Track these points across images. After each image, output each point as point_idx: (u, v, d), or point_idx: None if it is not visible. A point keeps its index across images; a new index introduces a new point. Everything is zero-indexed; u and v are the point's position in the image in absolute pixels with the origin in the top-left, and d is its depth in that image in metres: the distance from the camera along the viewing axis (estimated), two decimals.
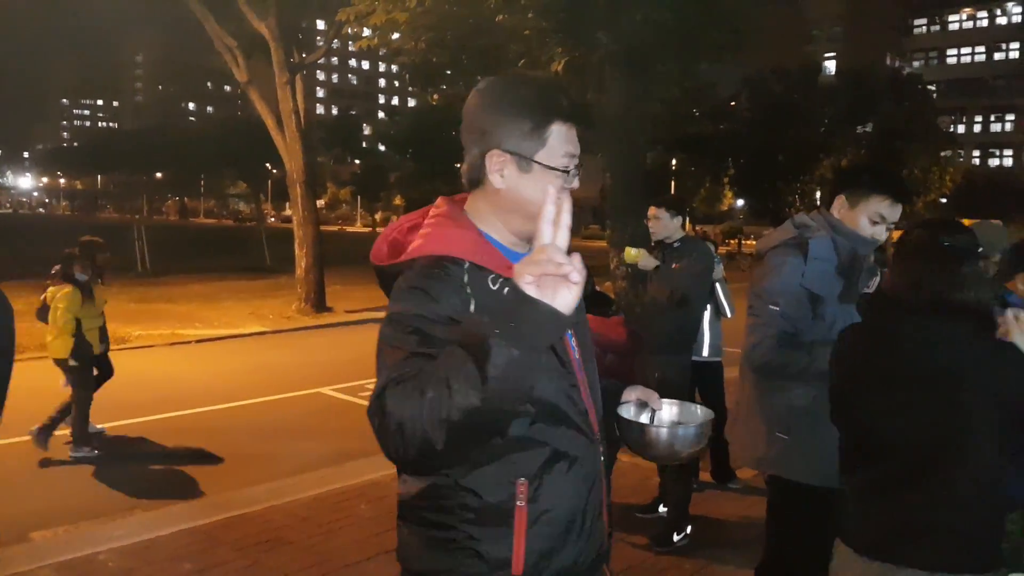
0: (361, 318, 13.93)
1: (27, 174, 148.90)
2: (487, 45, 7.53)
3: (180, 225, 62.89)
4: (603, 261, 7.88)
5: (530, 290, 1.17)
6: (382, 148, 63.14)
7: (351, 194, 71.93)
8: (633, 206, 5.19)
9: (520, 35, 7.19)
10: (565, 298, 1.18)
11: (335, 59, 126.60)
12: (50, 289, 6.38)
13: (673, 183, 39.48)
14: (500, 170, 1.52)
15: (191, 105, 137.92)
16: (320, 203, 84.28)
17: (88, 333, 6.28)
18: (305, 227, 14.62)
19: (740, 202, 53.60)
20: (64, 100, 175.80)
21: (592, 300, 3.59)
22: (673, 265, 4.69)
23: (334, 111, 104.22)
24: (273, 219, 64.84)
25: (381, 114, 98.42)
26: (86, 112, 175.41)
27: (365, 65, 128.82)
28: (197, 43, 15.94)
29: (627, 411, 1.77)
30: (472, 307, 1.44)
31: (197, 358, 10.77)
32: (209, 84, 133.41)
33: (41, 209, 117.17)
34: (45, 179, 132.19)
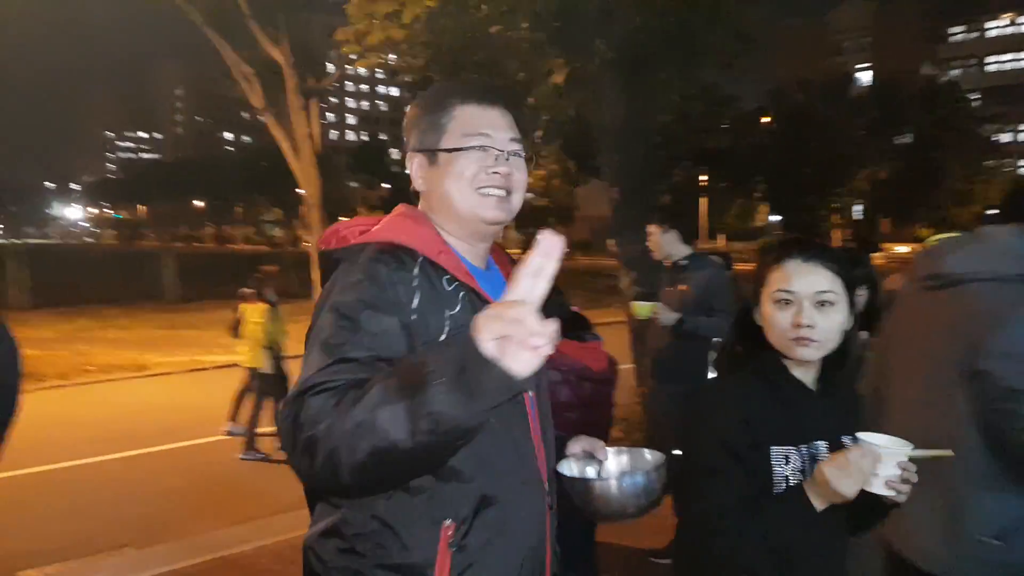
0: None
1: (74, 205, 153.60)
2: (484, 59, 7.41)
3: (217, 251, 63.91)
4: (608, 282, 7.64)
5: (488, 349, 1.02)
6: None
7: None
8: (639, 222, 4.97)
9: (516, 47, 7.05)
10: (526, 365, 1.02)
11: (364, 86, 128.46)
12: (242, 306, 7.25)
13: (707, 200, 39.07)
14: (417, 171, 1.48)
15: (227, 135, 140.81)
16: None
17: (274, 346, 7.05)
18: None
19: (776, 217, 52.93)
20: (108, 133, 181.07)
21: (569, 322, 3.24)
22: (679, 287, 4.43)
23: (363, 137, 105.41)
24: (307, 243, 65.68)
25: None
26: (130, 144, 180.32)
27: (394, 91, 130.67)
28: (211, 72, 16.18)
29: (568, 467, 1.59)
30: (416, 302, 1.31)
31: (215, 384, 10.71)
32: (244, 114, 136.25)
33: (88, 238, 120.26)
34: (92, 209, 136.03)
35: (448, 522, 1.30)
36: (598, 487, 1.52)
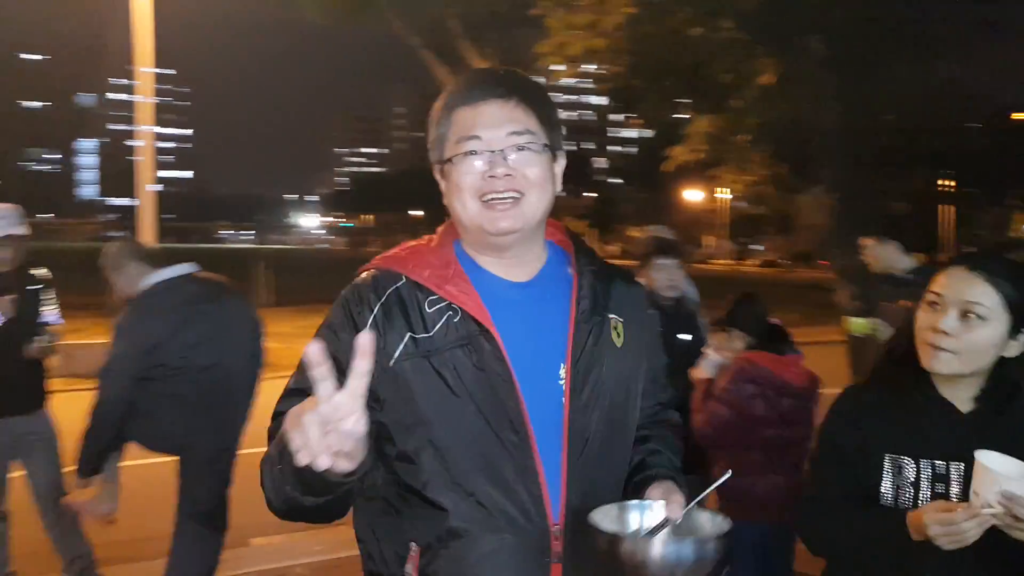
0: None
1: (310, 214, 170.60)
2: (689, 63, 7.20)
3: None
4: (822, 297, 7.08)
5: (300, 459, 1.03)
6: (618, 181, 63.69)
7: (586, 227, 73.25)
8: (857, 232, 4.60)
9: (723, 49, 6.78)
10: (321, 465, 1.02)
11: (572, 96, 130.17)
12: None
13: (953, 208, 35.38)
14: (441, 186, 1.39)
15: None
16: None
17: None
18: None
19: None
20: (340, 150, 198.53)
21: (766, 335, 3.15)
22: (900, 302, 4.06)
23: (569, 147, 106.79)
24: None
25: (617, 147, 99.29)
26: (358, 159, 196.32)
27: (603, 100, 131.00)
28: (431, 91, 17.08)
29: (605, 515, 1.23)
30: (368, 323, 1.29)
31: None
32: None
33: (322, 244, 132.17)
34: (325, 218, 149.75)
35: (414, 546, 1.28)
36: (626, 546, 1.16)
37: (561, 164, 1.40)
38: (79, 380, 9.37)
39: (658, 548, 1.14)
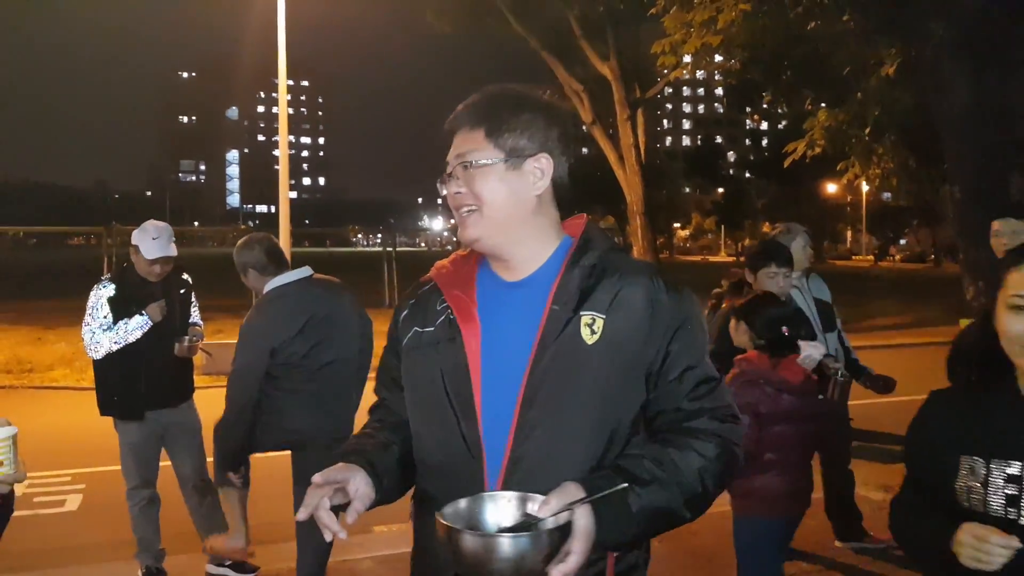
0: None
1: (439, 217, 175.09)
2: (807, 55, 6.97)
3: None
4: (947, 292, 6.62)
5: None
6: (748, 175, 61.59)
7: (715, 223, 71.22)
8: (986, 223, 4.33)
9: (843, 39, 6.51)
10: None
11: (700, 90, 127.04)
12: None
13: None
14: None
15: None
16: (684, 233, 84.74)
17: None
18: (644, 256, 14.84)
19: None
20: None
21: (777, 343, 3.12)
22: None
23: (698, 140, 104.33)
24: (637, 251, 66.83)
25: (747, 140, 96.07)
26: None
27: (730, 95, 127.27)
28: (560, 92, 17.13)
29: (453, 508, 1.28)
30: (400, 317, 1.60)
31: None
32: (584, 127, 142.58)
33: (449, 247, 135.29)
34: (452, 220, 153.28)
35: (412, 501, 1.57)
36: (454, 535, 1.20)
37: (533, 164, 1.47)
38: (220, 377, 10.18)
39: (477, 541, 1.19)
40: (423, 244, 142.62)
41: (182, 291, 4.49)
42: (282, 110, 12.50)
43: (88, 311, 4.21)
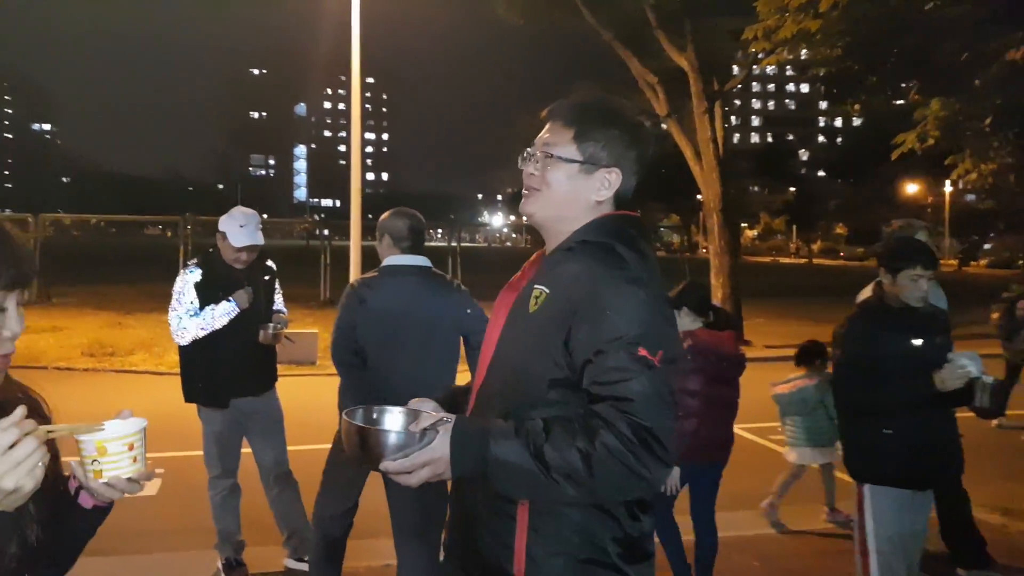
0: (780, 355, 13.03)
1: (499, 213, 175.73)
2: (915, 44, 6.51)
3: None
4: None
5: None
6: (821, 174, 59.88)
7: (785, 224, 69.47)
8: None
9: (957, 28, 6.04)
10: None
11: (771, 85, 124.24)
12: None
13: None
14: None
15: None
16: (752, 233, 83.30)
17: None
18: (722, 256, 14.38)
19: None
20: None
21: (711, 315, 4.10)
22: None
23: (768, 138, 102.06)
24: (705, 250, 65.78)
25: (821, 138, 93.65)
26: None
27: (804, 88, 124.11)
28: (618, 86, 16.92)
29: (356, 414, 1.56)
30: None
31: None
32: (647, 123, 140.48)
33: (508, 243, 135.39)
34: (512, 217, 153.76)
35: None
36: (346, 426, 1.51)
37: (604, 174, 1.66)
38: (295, 366, 10.25)
39: (346, 426, 1.49)
40: (482, 240, 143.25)
41: (266, 278, 4.40)
42: (355, 107, 12.51)
43: (174, 296, 4.15)
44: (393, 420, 1.58)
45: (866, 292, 4.78)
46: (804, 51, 7.75)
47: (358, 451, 1.48)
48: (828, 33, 6.86)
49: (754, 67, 13.16)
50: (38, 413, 1.36)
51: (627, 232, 1.63)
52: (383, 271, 3.54)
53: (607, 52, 15.12)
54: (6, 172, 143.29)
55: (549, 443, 1.42)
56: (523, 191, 1.70)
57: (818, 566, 4.48)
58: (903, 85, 7.46)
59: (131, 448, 1.32)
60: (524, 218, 1.69)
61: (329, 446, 3.68)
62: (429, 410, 1.57)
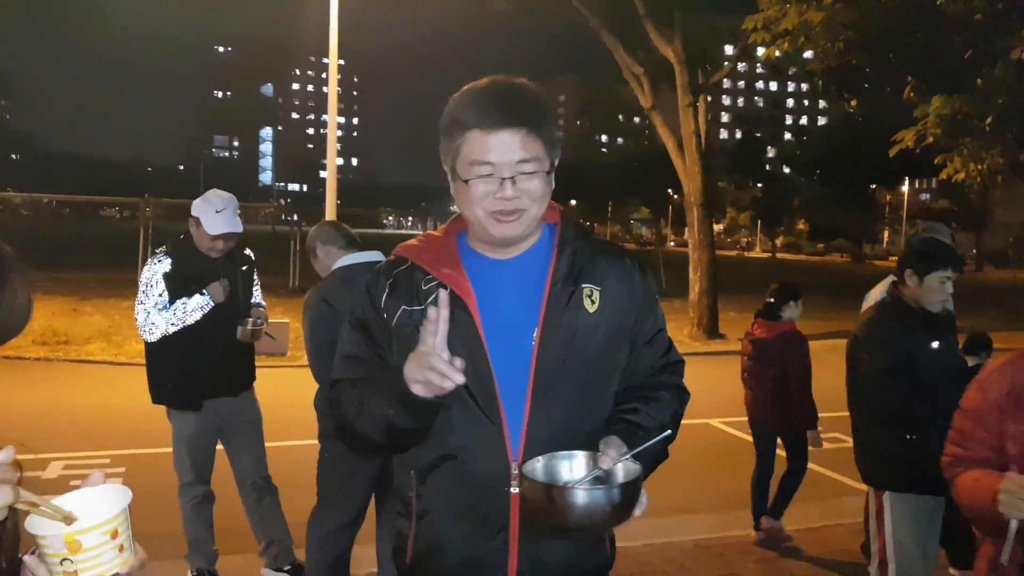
0: None
1: None
2: (922, 40, 6.33)
3: None
4: None
5: (417, 390, 1.39)
6: (787, 171, 60.53)
7: (750, 219, 70.14)
8: None
9: (968, 23, 5.88)
10: (432, 391, 1.37)
11: (741, 83, 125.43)
12: None
13: None
14: (449, 182, 1.60)
15: (603, 138, 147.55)
16: (718, 228, 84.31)
17: None
18: (700, 251, 14.27)
19: None
20: None
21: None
22: None
23: (737, 135, 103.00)
24: (672, 243, 66.20)
25: (788, 135, 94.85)
26: None
27: (773, 86, 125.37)
28: (607, 79, 16.97)
29: (538, 462, 1.44)
30: (383, 299, 1.61)
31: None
32: (620, 117, 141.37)
33: None
34: None
35: (413, 472, 1.60)
36: (537, 490, 1.37)
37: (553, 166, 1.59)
38: (264, 357, 9.86)
39: (565, 493, 1.34)
40: None
41: (244, 268, 4.05)
42: (332, 88, 12.12)
43: (141, 288, 3.79)
44: (573, 466, 1.49)
45: (875, 293, 4.62)
46: (802, 45, 7.55)
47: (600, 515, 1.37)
48: (830, 25, 6.66)
49: (741, 61, 12.99)
50: None
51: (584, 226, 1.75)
52: (339, 274, 3.34)
53: (592, 42, 14.89)
54: None
55: (664, 420, 1.61)
56: (498, 216, 1.53)
57: (817, 565, 4.41)
58: (907, 81, 7.29)
59: (115, 535, 0.97)
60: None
61: (304, 443, 3.39)
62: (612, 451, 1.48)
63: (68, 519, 0.94)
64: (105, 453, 6.12)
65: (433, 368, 1.34)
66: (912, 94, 7.22)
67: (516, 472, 1.51)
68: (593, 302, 1.58)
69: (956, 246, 4.25)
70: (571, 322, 1.56)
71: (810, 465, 4.95)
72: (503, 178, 1.50)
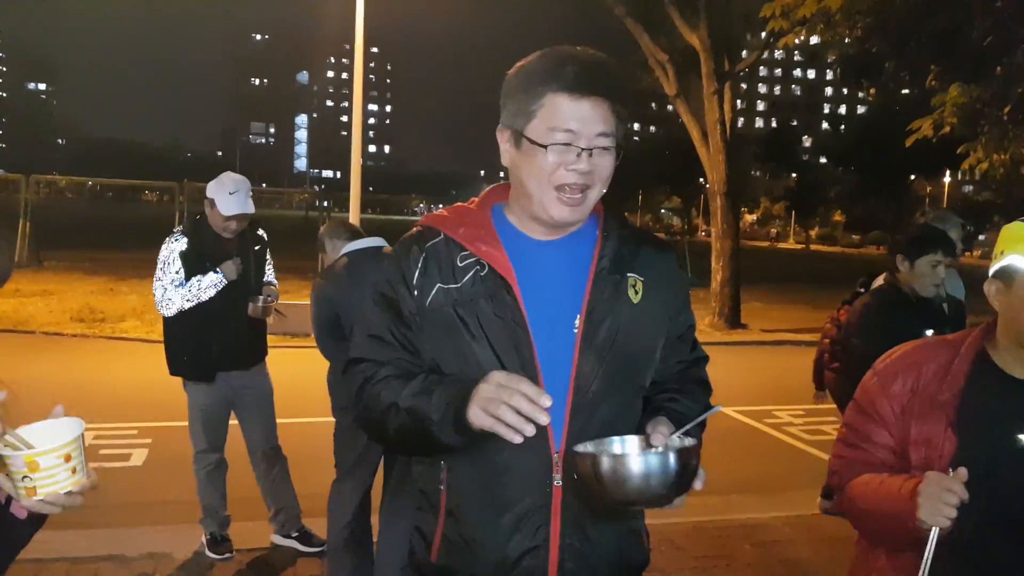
0: (776, 339, 13.01)
1: None
2: (943, 26, 6.26)
3: None
4: None
5: (475, 416, 1.29)
6: (823, 160, 59.60)
7: (784, 209, 69.25)
8: None
9: (989, 9, 5.81)
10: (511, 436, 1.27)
11: (778, 70, 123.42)
12: None
13: None
14: (504, 147, 1.50)
15: (635, 126, 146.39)
16: (751, 218, 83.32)
17: None
18: (723, 240, 14.19)
19: None
20: None
21: None
22: None
23: (773, 123, 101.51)
24: (704, 233, 65.64)
25: (825, 125, 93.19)
26: None
27: (810, 74, 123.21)
28: (633, 67, 16.78)
29: (588, 446, 1.39)
30: (416, 275, 1.49)
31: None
32: (653, 105, 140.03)
33: None
34: None
35: (443, 464, 1.50)
36: (601, 463, 1.29)
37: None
38: (289, 338, 10.09)
39: (623, 461, 1.28)
40: None
41: (257, 248, 4.22)
42: (358, 76, 12.22)
43: (159, 265, 3.98)
44: (630, 446, 1.44)
45: (880, 281, 4.66)
46: (820, 32, 7.48)
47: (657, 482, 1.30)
48: (849, 12, 6.62)
49: (767, 49, 12.87)
50: None
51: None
52: (354, 256, 3.52)
53: (618, 31, 14.84)
54: None
55: (698, 411, 1.55)
56: (566, 195, 1.44)
57: (813, 552, 4.41)
58: (927, 68, 7.19)
59: (68, 459, 1.13)
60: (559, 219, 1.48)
61: (320, 420, 3.55)
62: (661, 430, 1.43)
63: (23, 445, 1.12)
64: (133, 425, 6.37)
65: (523, 394, 1.25)
66: (935, 81, 7.14)
67: (559, 463, 1.45)
68: (637, 292, 1.53)
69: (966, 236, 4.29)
70: (615, 311, 1.50)
71: (807, 450, 5.01)
72: (581, 148, 1.42)
